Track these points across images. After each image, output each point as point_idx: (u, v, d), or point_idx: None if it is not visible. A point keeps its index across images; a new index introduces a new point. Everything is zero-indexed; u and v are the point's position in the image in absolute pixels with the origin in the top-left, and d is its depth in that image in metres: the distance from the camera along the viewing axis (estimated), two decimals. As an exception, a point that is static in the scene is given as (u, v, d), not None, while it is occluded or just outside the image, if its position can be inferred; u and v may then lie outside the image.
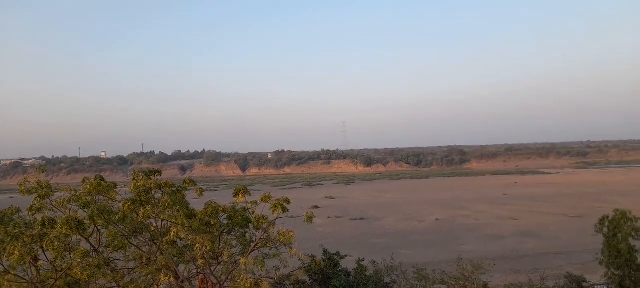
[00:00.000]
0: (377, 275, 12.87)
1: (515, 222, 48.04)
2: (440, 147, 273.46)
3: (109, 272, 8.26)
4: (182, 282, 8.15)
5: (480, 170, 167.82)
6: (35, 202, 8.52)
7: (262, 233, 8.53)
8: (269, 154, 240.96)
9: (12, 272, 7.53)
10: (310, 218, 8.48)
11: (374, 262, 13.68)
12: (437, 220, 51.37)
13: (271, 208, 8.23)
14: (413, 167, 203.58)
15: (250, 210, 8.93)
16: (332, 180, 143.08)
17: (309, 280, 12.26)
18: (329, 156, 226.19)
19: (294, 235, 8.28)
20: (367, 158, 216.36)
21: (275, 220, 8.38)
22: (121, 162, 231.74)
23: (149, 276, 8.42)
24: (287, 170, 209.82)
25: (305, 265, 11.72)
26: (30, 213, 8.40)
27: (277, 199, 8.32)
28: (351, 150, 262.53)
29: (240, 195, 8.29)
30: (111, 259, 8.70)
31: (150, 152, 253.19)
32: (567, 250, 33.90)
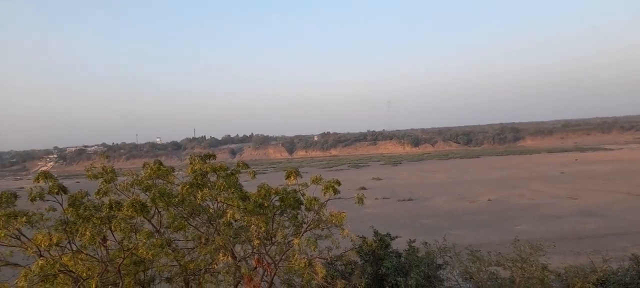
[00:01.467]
0: (429, 257, 12.69)
1: (575, 201, 45.62)
2: (491, 124, 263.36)
3: (170, 251, 8.70)
4: (239, 261, 8.43)
5: (536, 148, 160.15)
6: (102, 186, 9.09)
7: (314, 214, 8.62)
8: (315, 136, 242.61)
9: (84, 251, 8.11)
10: (361, 200, 8.47)
11: (426, 243, 13.47)
12: (489, 200, 49.78)
13: (322, 190, 8.28)
14: (463, 146, 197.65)
15: (301, 192, 9.05)
16: (378, 161, 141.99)
17: (361, 260, 12.30)
18: (375, 137, 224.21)
19: (345, 216, 8.31)
20: (414, 138, 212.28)
21: (326, 201, 8.44)
22: (175, 147, 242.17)
23: (208, 255, 8.79)
24: (333, 152, 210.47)
25: (356, 246, 11.77)
26: (97, 196, 8.96)
27: (328, 181, 8.36)
28: (397, 130, 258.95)
29: (292, 177, 8.41)
30: (172, 239, 9.15)
31: (202, 136, 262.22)
32: (631, 231, 31.81)
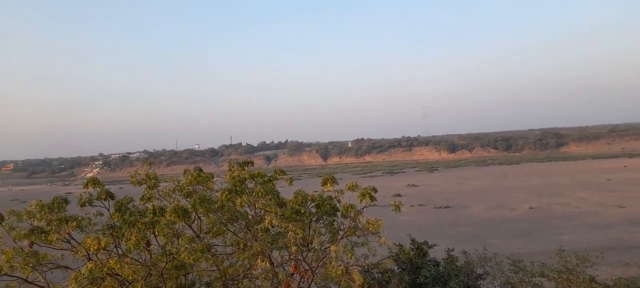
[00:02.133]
0: (468, 266, 12.38)
1: (623, 210, 43.25)
2: (532, 130, 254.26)
3: (210, 256, 8.89)
4: (277, 267, 8.52)
5: (580, 154, 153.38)
6: (146, 192, 9.42)
7: (350, 221, 8.60)
8: (349, 143, 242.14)
9: (129, 255, 8.43)
10: (398, 207, 8.37)
11: (465, 252, 13.15)
12: (531, 208, 48.00)
13: (359, 197, 8.26)
14: (502, 152, 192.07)
15: (337, 199, 9.05)
16: (413, 167, 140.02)
17: (398, 269, 12.15)
18: (410, 143, 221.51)
19: (382, 223, 8.25)
20: (451, 144, 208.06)
21: (363, 208, 8.40)
22: (213, 153, 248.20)
23: (246, 261, 8.92)
24: (368, 158, 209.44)
25: (393, 254, 11.64)
26: (141, 202, 9.29)
27: (365, 188, 8.33)
28: (433, 136, 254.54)
29: (329, 184, 8.43)
30: (211, 244, 9.35)
31: (238, 143, 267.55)
32: (685, 242, 29.87)
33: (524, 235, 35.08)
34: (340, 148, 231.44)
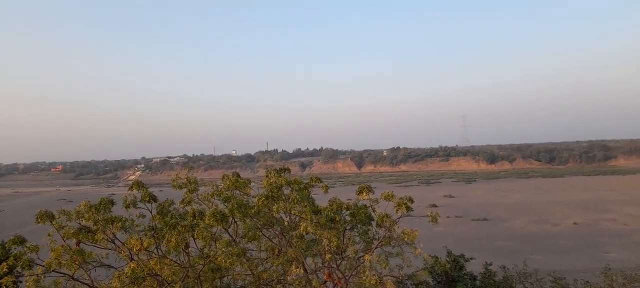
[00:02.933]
0: (506, 281, 11.99)
1: (678, 229, 40.63)
2: (578, 141, 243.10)
3: (245, 260, 9.05)
4: (310, 274, 8.56)
5: (630, 168, 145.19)
6: (186, 196, 9.72)
7: (385, 231, 8.53)
8: (384, 151, 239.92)
9: (168, 257, 8.72)
10: (435, 219, 8.24)
11: (504, 267, 12.73)
12: (575, 223, 45.88)
13: (394, 207, 8.19)
14: (545, 164, 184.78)
15: (371, 208, 9.01)
16: (450, 178, 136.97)
17: (433, 281, 11.92)
18: (448, 153, 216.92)
19: (418, 234, 8.14)
20: (490, 154, 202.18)
21: (398, 218, 8.32)
22: (249, 159, 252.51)
23: (280, 266, 9.02)
24: (403, 167, 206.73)
25: (429, 266, 11.43)
26: (181, 205, 9.60)
27: (401, 198, 8.25)
28: (472, 146, 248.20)
29: (365, 193, 8.41)
30: (246, 249, 9.52)
31: (274, 149, 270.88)
32: None
33: (567, 252, 33.58)
34: (375, 156, 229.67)
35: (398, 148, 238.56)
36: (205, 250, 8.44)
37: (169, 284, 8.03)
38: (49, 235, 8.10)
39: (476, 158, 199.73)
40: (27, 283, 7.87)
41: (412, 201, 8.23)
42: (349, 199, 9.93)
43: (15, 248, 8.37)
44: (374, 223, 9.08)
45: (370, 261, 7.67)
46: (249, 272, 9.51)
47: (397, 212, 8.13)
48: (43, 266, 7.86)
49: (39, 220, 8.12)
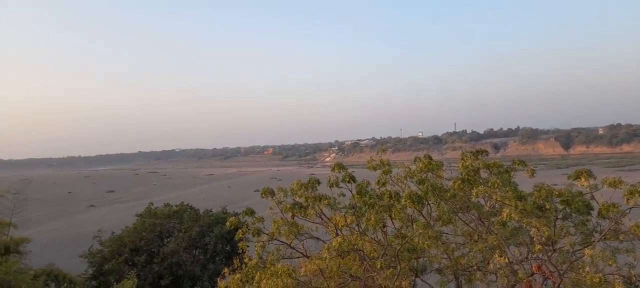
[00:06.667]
0: None
1: None
2: None
3: (441, 244, 8.95)
4: (515, 264, 7.95)
5: None
6: (381, 177, 10.12)
7: (611, 223, 7.26)
8: (600, 129, 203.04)
9: (367, 234, 9.27)
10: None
11: None
12: None
13: (624, 195, 6.88)
14: None
15: (591, 195, 7.77)
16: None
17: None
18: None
19: (656, 229, 6.68)
20: None
21: (629, 209, 6.97)
22: (436, 141, 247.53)
23: (479, 254, 8.62)
24: (626, 148, 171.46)
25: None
26: (377, 186, 10.04)
27: (632, 185, 6.88)
28: None
29: (583, 179, 7.27)
30: (441, 232, 9.39)
31: (462, 130, 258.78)
32: None
33: None
34: (587, 135, 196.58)
35: (619, 125, 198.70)
36: (402, 230, 8.66)
37: (370, 259, 8.54)
38: (270, 208, 9.54)
39: None
40: (255, 248, 9.49)
41: (647, 188, 6.77)
42: (555, 184, 8.80)
43: (244, 218, 10.11)
44: (593, 213, 7.84)
45: (592, 256, 6.67)
46: (445, 256, 9.38)
47: (628, 202, 6.80)
48: (267, 235, 9.34)
49: (263, 195, 9.65)
